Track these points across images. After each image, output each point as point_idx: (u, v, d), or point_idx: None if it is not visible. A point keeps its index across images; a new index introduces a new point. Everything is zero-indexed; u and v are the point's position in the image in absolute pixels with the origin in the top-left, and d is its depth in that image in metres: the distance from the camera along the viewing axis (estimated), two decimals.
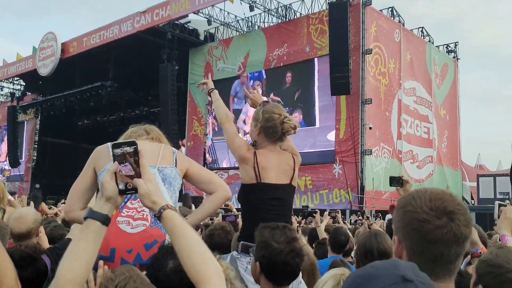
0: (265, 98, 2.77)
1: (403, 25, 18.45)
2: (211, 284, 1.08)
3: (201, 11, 18.57)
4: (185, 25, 20.03)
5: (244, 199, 2.45)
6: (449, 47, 21.87)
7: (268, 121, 2.42)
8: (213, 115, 20.41)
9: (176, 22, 19.14)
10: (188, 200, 8.15)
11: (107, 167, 1.85)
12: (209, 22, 19.47)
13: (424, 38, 19.99)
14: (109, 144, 1.96)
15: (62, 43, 22.24)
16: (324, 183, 16.54)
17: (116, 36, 19.91)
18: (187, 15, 18.84)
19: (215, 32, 20.92)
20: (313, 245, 3.79)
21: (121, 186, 1.19)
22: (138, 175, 1.19)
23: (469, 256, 1.99)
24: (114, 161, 1.20)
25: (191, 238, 1.14)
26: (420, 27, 20.08)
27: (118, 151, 1.21)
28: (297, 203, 16.55)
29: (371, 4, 16.53)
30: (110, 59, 20.29)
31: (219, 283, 1.09)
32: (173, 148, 2.07)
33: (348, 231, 3.80)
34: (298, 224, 6.00)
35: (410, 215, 1.03)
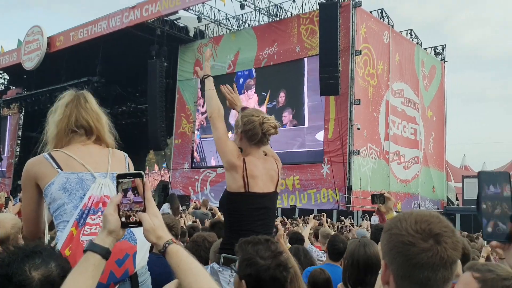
0: (244, 104, 2.70)
1: (392, 27, 18.58)
2: None
3: (191, 7, 18.42)
4: (175, 21, 19.85)
5: (229, 207, 2.37)
6: (437, 49, 22.14)
7: (247, 124, 2.34)
8: (199, 111, 20.29)
9: (166, 18, 18.96)
10: (175, 200, 7.98)
11: (54, 181, 1.73)
12: (199, 19, 19.32)
13: (412, 40, 20.17)
14: (47, 157, 1.75)
15: (48, 37, 21.84)
16: (312, 182, 16.60)
17: (104, 31, 19.62)
18: (177, 12, 18.69)
19: (205, 29, 20.79)
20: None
21: (124, 219, 1.16)
22: (143, 208, 1.17)
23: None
24: (117, 192, 1.18)
25: (198, 273, 1.12)
26: (409, 29, 20.29)
27: (124, 181, 1.18)
28: (285, 203, 16.59)
29: (361, 5, 16.60)
30: (97, 54, 19.98)
31: None
32: (123, 152, 1.94)
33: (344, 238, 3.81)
34: (284, 226, 5.98)
35: (395, 238, 1.01)
